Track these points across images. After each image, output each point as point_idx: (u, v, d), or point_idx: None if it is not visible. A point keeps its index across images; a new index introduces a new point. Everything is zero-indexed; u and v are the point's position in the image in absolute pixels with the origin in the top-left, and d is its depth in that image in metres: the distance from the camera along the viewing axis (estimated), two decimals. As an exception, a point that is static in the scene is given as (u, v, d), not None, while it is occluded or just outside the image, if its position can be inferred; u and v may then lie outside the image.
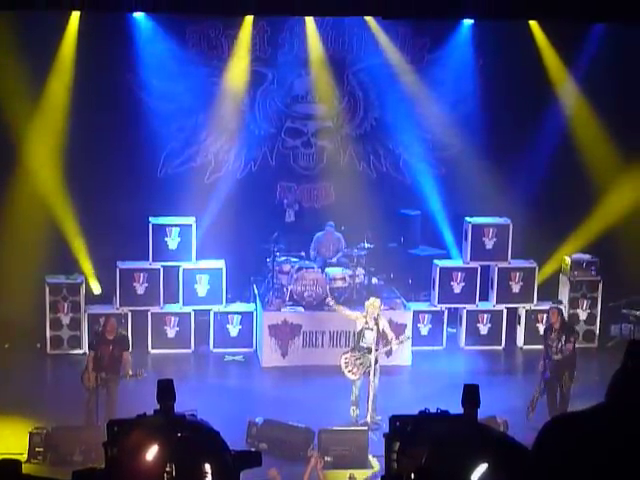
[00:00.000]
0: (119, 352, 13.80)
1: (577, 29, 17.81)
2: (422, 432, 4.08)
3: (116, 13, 16.71)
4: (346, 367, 14.40)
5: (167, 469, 3.35)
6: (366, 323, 14.38)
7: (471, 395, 4.23)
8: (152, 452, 3.45)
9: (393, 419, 4.26)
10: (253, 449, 13.00)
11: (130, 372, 13.71)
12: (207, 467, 3.41)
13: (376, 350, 14.26)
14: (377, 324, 14.33)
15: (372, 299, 14.73)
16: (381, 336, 14.35)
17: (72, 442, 13.02)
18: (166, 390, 3.76)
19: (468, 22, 18.08)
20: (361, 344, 14.37)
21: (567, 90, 18.47)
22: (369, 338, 14.29)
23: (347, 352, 14.61)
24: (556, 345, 14.35)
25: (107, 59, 17.12)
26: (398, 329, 16.48)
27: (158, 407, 3.95)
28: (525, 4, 15.48)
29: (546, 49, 18.14)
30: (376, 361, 14.28)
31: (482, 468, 3.78)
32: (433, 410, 4.32)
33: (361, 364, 14.32)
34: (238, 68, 18.27)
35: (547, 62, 18.26)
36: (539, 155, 17.98)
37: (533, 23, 17.95)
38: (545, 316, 17.56)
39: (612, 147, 17.94)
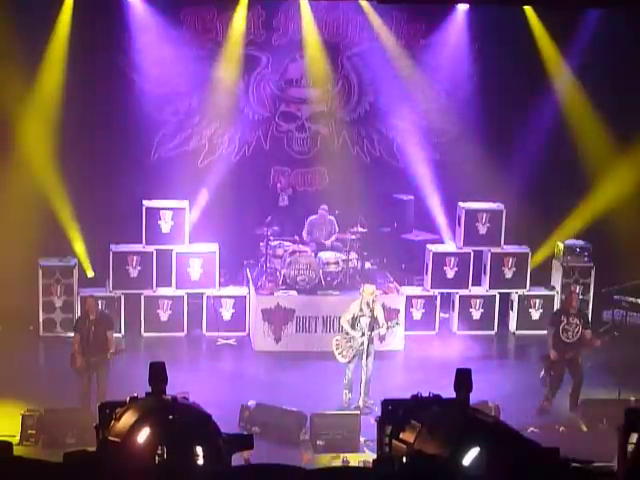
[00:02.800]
0: (102, 331, 13.79)
1: (572, 15, 17.78)
2: (414, 416, 4.09)
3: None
4: (337, 349, 14.38)
5: (158, 451, 3.35)
6: (360, 310, 14.35)
7: (463, 380, 4.24)
8: (144, 434, 3.44)
9: (385, 403, 4.27)
10: (246, 432, 13.04)
11: (113, 350, 13.76)
12: (198, 450, 3.41)
13: (369, 333, 14.22)
14: (372, 310, 14.30)
15: (367, 286, 14.69)
16: (375, 321, 14.32)
17: (65, 424, 13.01)
18: (158, 373, 3.76)
19: (463, 7, 18.06)
20: (352, 332, 14.31)
21: (561, 76, 18.45)
22: (363, 324, 14.27)
23: (338, 335, 14.60)
24: (574, 329, 14.35)
25: (101, 41, 17.08)
26: (391, 314, 16.49)
27: (150, 390, 3.94)
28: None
29: (541, 35, 18.12)
30: (369, 344, 14.25)
31: (474, 452, 3.78)
32: (425, 394, 4.33)
33: (351, 347, 14.30)
34: (232, 51, 18.21)
35: (541, 48, 18.24)
36: (533, 141, 17.98)
37: (528, 8, 17.94)
38: (541, 302, 17.64)
39: (606, 133, 17.93)
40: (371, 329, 14.25)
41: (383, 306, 15.41)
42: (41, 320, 17.07)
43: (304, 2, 18.03)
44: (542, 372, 14.48)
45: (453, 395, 4.37)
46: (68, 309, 16.98)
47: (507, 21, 17.56)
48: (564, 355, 14.29)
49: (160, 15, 17.58)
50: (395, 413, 4.20)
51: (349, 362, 14.34)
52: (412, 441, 3.96)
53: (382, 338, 15.50)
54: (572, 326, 14.38)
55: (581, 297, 18.04)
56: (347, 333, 14.37)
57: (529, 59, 18.00)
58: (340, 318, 14.71)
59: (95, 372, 13.68)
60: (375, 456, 4.31)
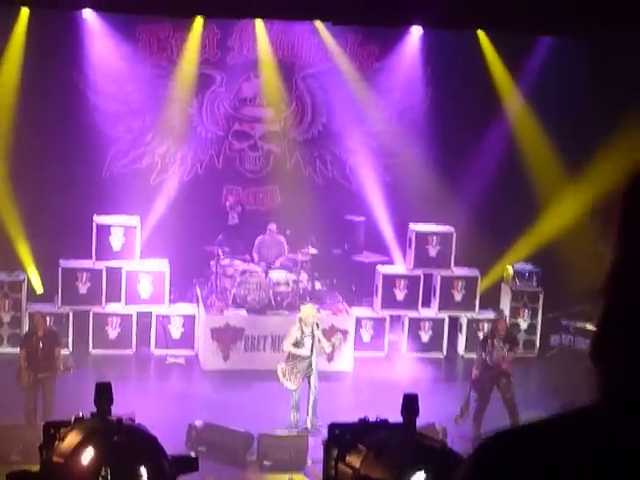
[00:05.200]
0: (50, 348, 13.68)
1: (524, 40, 17.99)
2: (361, 440, 4.09)
3: (65, 10, 16.61)
4: (284, 376, 14.28)
5: (102, 473, 3.33)
6: (302, 332, 14.28)
7: (410, 404, 4.25)
8: (87, 455, 3.42)
9: (332, 427, 4.27)
10: (192, 452, 12.98)
11: (61, 367, 13.65)
12: (143, 471, 3.39)
13: (313, 354, 14.18)
14: (314, 330, 14.25)
15: (306, 307, 14.68)
16: (317, 342, 14.27)
17: (9, 441, 12.83)
18: (103, 393, 3.74)
19: (417, 30, 18.19)
20: (301, 353, 14.26)
21: (513, 100, 18.64)
22: (308, 345, 14.24)
23: (282, 362, 14.46)
24: (497, 353, 14.47)
25: (55, 57, 17.01)
26: (334, 332, 16.47)
27: (95, 410, 3.93)
28: (473, 14, 15.64)
29: (493, 59, 18.32)
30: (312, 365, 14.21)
31: (419, 477, 3.80)
32: (372, 418, 4.34)
33: (298, 372, 14.24)
34: (187, 70, 18.22)
35: (494, 72, 18.44)
36: (484, 165, 18.11)
37: (480, 33, 18.13)
38: (487, 325, 17.76)
39: (556, 159, 18.11)
40: (315, 349, 14.19)
41: (332, 327, 15.39)
42: (-12, 335, 16.90)
43: (259, 22, 18.07)
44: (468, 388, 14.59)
45: (400, 418, 4.38)
46: (16, 324, 16.82)
47: (460, 45, 17.72)
48: (484, 375, 14.42)
49: (115, 32, 17.54)
50: (342, 437, 4.20)
51: (297, 387, 14.28)
52: (358, 466, 3.96)
53: (330, 357, 15.48)
54: (497, 349, 14.51)
55: (529, 321, 18.21)
56: (292, 358, 14.27)
57: (481, 83, 18.18)
58: (283, 344, 14.62)
59: (42, 389, 13.57)
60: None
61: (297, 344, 14.27)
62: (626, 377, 1.71)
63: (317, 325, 14.31)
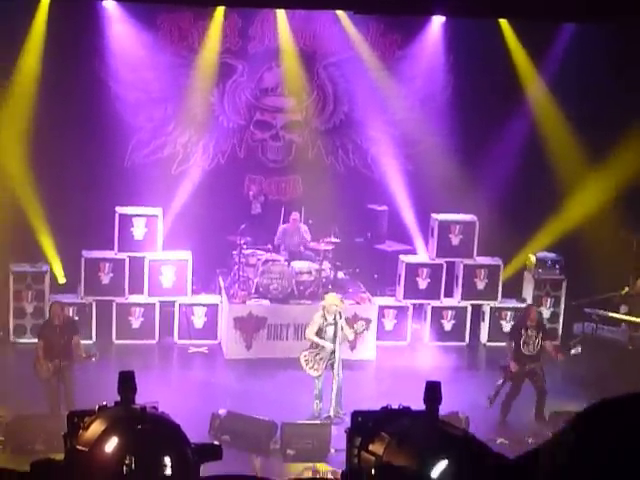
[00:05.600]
0: (69, 337, 13.72)
1: (546, 29, 17.91)
2: (384, 428, 4.09)
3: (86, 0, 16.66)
4: (307, 364, 14.30)
5: (126, 461, 3.34)
6: (326, 320, 14.30)
7: (433, 392, 4.24)
8: (111, 444, 3.43)
9: (355, 415, 4.26)
10: (216, 441, 12.99)
11: (83, 354, 13.71)
12: (167, 460, 3.40)
13: (338, 341, 14.19)
14: (339, 318, 14.26)
15: (330, 296, 14.68)
16: (341, 330, 14.27)
17: (33, 431, 12.91)
18: (127, 382, 3.75)
19: (439, 19, 18.15)
20: (322, 341, 14.27)
21: (535, 89, 18.57)
22: (330, 333, 14.25)
23: (306, 349, 14.51)
24: (534, 341, 14.44)
25: (76, 46, 17.02)
26: (357, 319, 16.52)
27: (119, 399, 3.94)
28: (495, 2, 15.56)
29: (515, 48, 18.25)
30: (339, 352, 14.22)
31: (442, 465, 3.79)
32: (395, 406, 4.34)
33: (321, 359, 14.26)
34: (208, 59, 18.22)
35: (516, 60, 18.37)
36: (507, 153, 18.05)
37: (503, 21, 18.06)
38: (509, 313, 17.75)
39: (579, 146, 18.04)
40: (338, 337, 14.20)
41: (354, 316, 15.41)
42: (11, 326, 16.98)
43: (280, 11, 18.05)
44: (500, 380, 14.51)
45: (423, 407, 4.38)
46: (39, 315, 16.87)
47: (482, 33, 17.66)
48: (524, 367, 14.39)
49: (136, 21, 17.55)
50: (365, 425, 4.20)
51: (320, 375, 14.31)
52: (381, 453, 3.96)
53: (352, 346, 15.48)
54: (532, 338, 14.49)
55: (552, 310, 18.16)
56: (315, 346, 14.32)
57: (504, 71, 18.11)
58: (306, 332, 14.64)
59: (62, 378, 13.60)
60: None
61: (320, 332, 14.29)
62: None
63: (340, 314, 14.31)
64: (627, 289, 17.94)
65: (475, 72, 17.88)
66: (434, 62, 18.57)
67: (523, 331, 14.59)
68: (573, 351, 14.62)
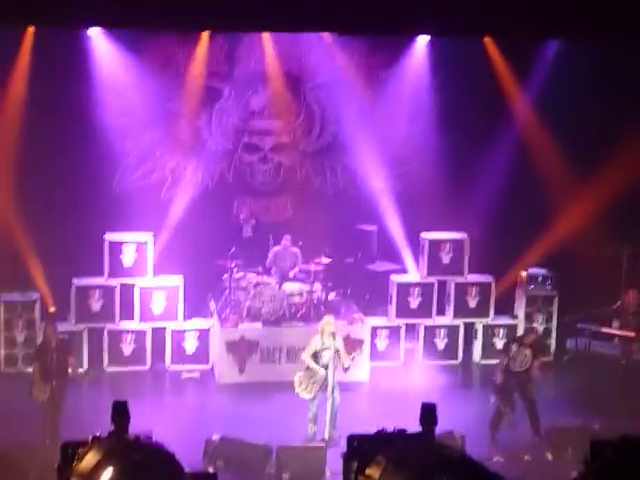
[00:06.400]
0: (64, 358, 13.75)
1: (531, 45, 17.97)
2: (380, 451, 4.07)
3: (71, 29, 16.65)
4: (300, 386, 14.26)
5: (122, 493, 3.32)
6: (323, 343, 14.28)
7: (429, 414, 4.23)
8: (106, 475, 3.41)
9: (351, 439, 4.25)
10: (210, 467, 12.96)
11: (78, 371, 13.72)
12: (162, 490, 3.38)
13: (333, 366, 14.16)
14: (334, 340, 14.24)
15: (326, 318, 14.65)
16: (337, 354, 14.25)
17: (26, 462, 12.77)
18: (120, 412, 3.73)
19: (423, 38, 18.19)
20: (317, 367, 14.22)
21: (521, 105, 18.62)
22: (325, 357, 14.21)
23: (300, 371, 14.48)
24: (522, 359, 14.40)
25: (62, 74, 16.98)
26: (356, 344, 16.52)
27: (113, 428, 3.91)
28: (479, 21, 15.62)
29: (500, 65, 18.29)
30: (333, 376, 14.17)
31: (439, 487, 3.77)
32: (390, 429, 4.31)
33: (315, 382, 14.22)
34: (194, 84, 18.23)
35: (501, 78, 18.42)
36: (495, 170, 18.08)
37: (487, 40, 18.12)
38: (502, 330, 17.77)
39: (566, 162, 18.05)
40: (332, 362, 14.16)
41: (347, 337, 15.39)
42: (2, 355, 16.89)
43: (266, 35, 18.09)
44: (492, 397, 14.49)
45: (419, 427, 4.36)
46: (30, 344, 16.74)
47: (467, 52, 17.68)
48: (509, 381, 14.35)
49: (122, 47, 17.54)
50: (361, 448, 4.18)
51: (314, 397, 14.26)
52: (378, 477, 3.95)
53: (346, 369, 15.45)
54: (520, 355, 14.44)
55: (544, 325, 18.15)
56: (309, 368, 14.29)
57: (489, 88, 18.13)
58: (302, 353, 14.62)
59: (55, 401, 13.57)
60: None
61: (315, 355, 14.25)
62: None
63: (333, 336, 14.25)
64: (619, 303, 17.97)
65: (461, 90, 17.89)
66: (420, 81, 18.60)
67: (514, 346, 14.57)
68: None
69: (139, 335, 17.24)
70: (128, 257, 17.23)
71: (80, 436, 4.01)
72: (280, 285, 17.24)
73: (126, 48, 17.58)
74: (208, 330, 17.35)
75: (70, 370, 13.76)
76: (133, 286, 17.23)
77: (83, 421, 12.66)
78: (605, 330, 17.61)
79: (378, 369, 17.15)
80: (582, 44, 17.40)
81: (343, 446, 4.37)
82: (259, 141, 18.93)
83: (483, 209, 18.03)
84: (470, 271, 18.08)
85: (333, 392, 14.13)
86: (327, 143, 19.09)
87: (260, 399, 15.83)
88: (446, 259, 18.00)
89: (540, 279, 18.29)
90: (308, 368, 14.32)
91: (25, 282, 17.24)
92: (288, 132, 18.96)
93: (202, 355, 17.32)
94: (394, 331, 17.78)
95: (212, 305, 17.65)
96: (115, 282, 17.20)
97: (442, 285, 18.10)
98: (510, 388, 14.37)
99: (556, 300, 18.25)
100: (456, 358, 18.03)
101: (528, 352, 14.46)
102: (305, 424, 14.30)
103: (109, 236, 17.19)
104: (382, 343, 17.69)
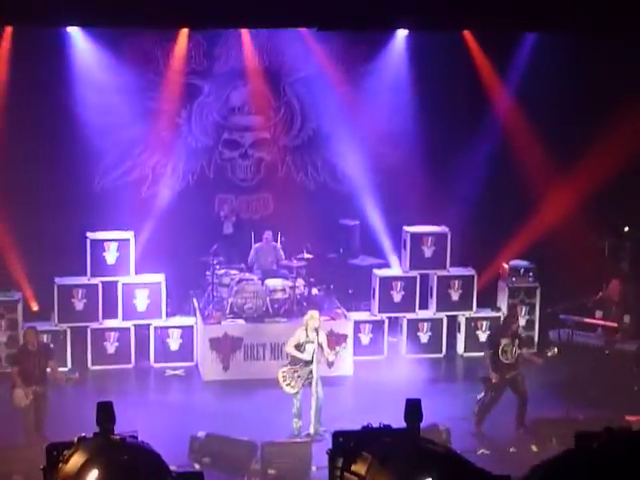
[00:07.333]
0: (44, 363, 13.63)
1: (509, 38, 18.02)
2: (365, 447, 4.08)
3: (50, 28, 16.60)
4: (284, 381, 14.26)
5: (108, 494, 3.32)
6: (307, 336, 14.30)
7: (413, 409, 4.24)
8: (92, 476, 3.40)
9: (336, 435, 4.25)
10: (196, 464, 12.97)
11: (62, 378, 13.63)
12: (148, 490, 3.38)
13: (318, 361, 14.18)
14: (317, 335, 14.25)
15: (311, 312, 14.65)
16: (319, 349, 14.26)
17: (10, 463, 12.74)
18: (106, 412, 3.72)
19: (402, 32, 18.21)
20: (301, 357, 14.26)
21: (501, 98, 18.67)
22: (309, 350, 14.23)
23: (284, 366, 14.49)
24: (511, 350, 14.41)
25: (41, 73, 16.97)
26: (339, 339, 16.53)
27: (98, 429, 3.90)
28: (458, 14, 15.63)
29: (480, 58, 18.34)
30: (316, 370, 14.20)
31: (426, 483, 3.78)
32: (375, 425, 4.32)
33: (299, 377, 14.23)
34: (174, 81, 18.22)
35: (481, 71, 18.46)
36: (476, 163, 18.11)
37: (466, 32, 18.15)
38: (485, 323, 17.80)
39: (546, 154, 18.09)
40: (316, 356, 14.16)
41: (330, 332, 15.41)
42: (-15, 356, 16.85)
43: (244, 30, 18.08)
44: (482, 394, 14.50)
45: (403, 422, 4.36)
46: (13, 344, 16.68)
47: (446, 45, 17.71)
48: (505, 376, 14.38)
49: (101, 45, 17.51)
50: (346, 445, 4.19)
51: (297, 392, 14.27)
52: (364, 473, 3.95)
53: (330, 364, 15.45)
54: (509, 347, 14.46)
55: (527, 317, 18.21)
56: (294, 363, 14.28)
57: (469, 81, 18.18)
58: (285, 345, 14.64)
59: (35, 404, 13.48)
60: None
61: (299, 347, 14.26)
62: None
63: (317, 331, 14.25)
64: (601, 294, 18.03)
65: (440, 83, 17.92)
66: (399, 75, 18.61)
67: (502, 339, 14.55)
68: (550, 353, 14.63)
69: (123, 333, 17.21)
70: (110, 256, 17.19)
71: (65, 436, 4.00)
72: (263, 281, 17.24)
73: (105, 46, 17.55)
74: (192, 327, 17.34)
75: (52, 374, 13.64)
76: (116, 284, 17.19)
77: (68, 420, 12.63)
78: (588, 320, 17.65)
79: (362, 363, 17.16)
80: (560, 35, 17.44)
81: (328, 440, 4.36)
82: (239, 137, 18.91)
83: (464, 202, 18.06)
84: (452, 264, 18.11)
85: (317, 387, 14.14)
86: (308, 138, 19.09)
87: (245, 396, 15.82)
88: (428, 253, 18.02)
89: (522, 271, 18.34)
90: (292, 362, 14.32)
91: (7, 282, 17.19)
92: (268, 128, 18.96)
93: (186, 352, 17.31)
94: (377, 325, 17.80)
95: (195, 302, 17.64)
96: (97, 281, 17.16)
97: (425, 279, 18.12)
98: (503, 384, 14.37)
99: (538, 292, 18.31)
100: (440, 351, 18.07)
101: (516, 342, 14.50)
102: (290, 420, 14.31)
103: (91, 235, 17.15)
104: (366, 337, 17.71)
